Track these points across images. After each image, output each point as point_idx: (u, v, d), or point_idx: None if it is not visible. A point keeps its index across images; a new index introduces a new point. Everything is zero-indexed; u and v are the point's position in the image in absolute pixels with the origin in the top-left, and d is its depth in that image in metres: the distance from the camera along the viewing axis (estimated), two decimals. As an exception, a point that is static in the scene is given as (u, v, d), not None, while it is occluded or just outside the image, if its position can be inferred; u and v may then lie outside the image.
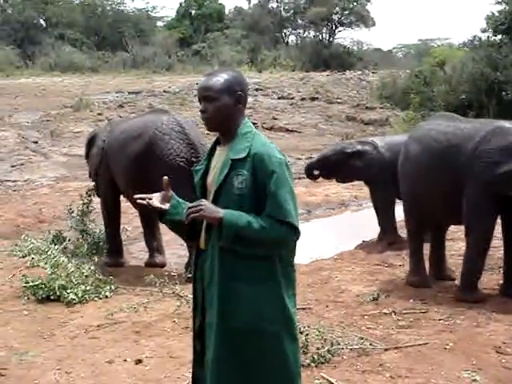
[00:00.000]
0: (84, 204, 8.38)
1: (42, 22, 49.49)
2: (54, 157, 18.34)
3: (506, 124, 6.51)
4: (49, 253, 7.09)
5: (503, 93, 21.84)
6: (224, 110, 3.04)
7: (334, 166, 8.99)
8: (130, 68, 40.65)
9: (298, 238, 2.99)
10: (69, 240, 8.11)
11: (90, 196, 8.43)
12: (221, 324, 2.96)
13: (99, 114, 23.53)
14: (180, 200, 3.17)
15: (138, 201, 3.13)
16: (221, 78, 3.04)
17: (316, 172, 9.23)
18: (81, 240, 8.07)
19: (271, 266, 2.98)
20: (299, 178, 12.77)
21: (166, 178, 3.15)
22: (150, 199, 3.11)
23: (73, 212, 8.43)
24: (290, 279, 3.07)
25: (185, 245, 7.88)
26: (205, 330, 3.08)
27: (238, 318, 2.95)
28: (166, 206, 3.12)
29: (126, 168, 7.51)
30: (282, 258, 3.02)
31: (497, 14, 23.41)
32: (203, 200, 2.98)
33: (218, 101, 3.02)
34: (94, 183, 8.41)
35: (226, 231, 2.87)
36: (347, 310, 6.28)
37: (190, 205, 2.95)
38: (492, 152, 6.24)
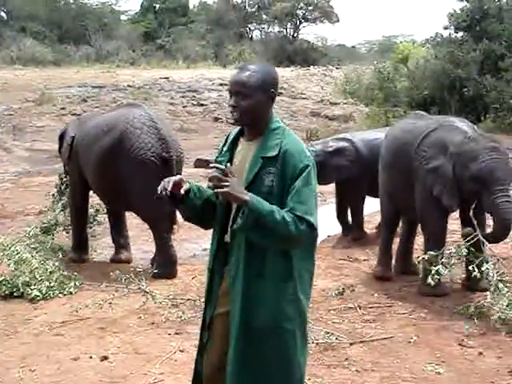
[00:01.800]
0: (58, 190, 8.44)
1: (3, 14, 48.78)
2: (17, 151, 18.12)
3: (451, 120, 6.66)
4: (12, 249, 6.99)
5: (464, 89, 22.12)
6: (257, 108, 2.99)
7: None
8: (94, 62, 40.25)
9: (315, 239, 3.01)
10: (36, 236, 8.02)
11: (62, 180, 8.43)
12: (243, 320, 2.96)
13: (62, 109, 23.29)
14: (196, 185, 3.12)
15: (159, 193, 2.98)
16: (256, 74, 2.98)
17: None
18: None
19: (289, 263, 2.98)
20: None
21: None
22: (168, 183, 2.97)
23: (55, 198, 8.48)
24: (308, 277, 3.08)
25: (150, 240, 7.85)
26: (214, 323, 3.11)
27: (261, 314, 2.96)
28: (179, 195, 3.02)
29: (97, 162, 7.44)
30: (301, 254, 3.01)
31: (458, 12, 23.71)
32: (232, 178, 2.89)
33: (251, 98, 2.97)
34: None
35: (248, 214, 2.82)
36: (313, 304, 6.29)
37: (220, 176, 2.86)
38: (425, 148, 6.40)
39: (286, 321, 2.99)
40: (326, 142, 9.25)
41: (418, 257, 6.48)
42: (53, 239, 7.94)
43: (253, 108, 2.98)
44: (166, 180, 2.98)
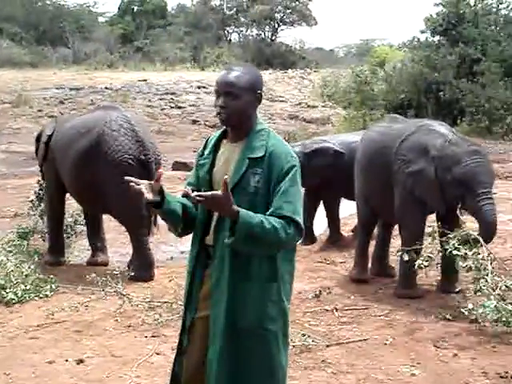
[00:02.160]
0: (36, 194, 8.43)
1: (-21, 15, 48.28)
2: (-8, 153, 17.97)
3: (430, 123, 6.71)
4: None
5: (441, 93, 22.30)
6: (245, 108, 3.00)
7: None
8: (71, 64, 40.05)
9: (301, 238, 3.02)
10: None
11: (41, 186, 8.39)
12: (229, 321, 2.96)
13: (39, 111, 23.17)
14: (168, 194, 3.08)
15: (132, 189, 2.93)
16: (245, 75, 3.00)
17: None
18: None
19: (274, 264, 2.99)
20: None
21: (161, 170, 3.04)
22: (138, 185, 2.93)
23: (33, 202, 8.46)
24: (290, 276, 3.10)
25: (127, 243, 7.82)
26: (194, 326, 3.09)
27: (246, 315, 2.97)
28: (158, 198, 2.98)
29: (73, 164, 7.39)
30: (283, 256, 3.02)
31: (435, 16, 23.90)
32: (218, 192, 2.81)
33: (240, 98, 2.97)
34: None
35: (240, 228, 2.79)
36: (290, 306, 6.32)
37: (205, 194, 2.80)
38: (405, 151, 6.43)
39: (270, 322, 3.00)
40: (304, 143, 9.26)
41: (398, 250, 6.50)
42: (28, 244, 7.89)
43: (242, 109, 2.99)
44: (143, 182, 2.96)
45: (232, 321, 2.96)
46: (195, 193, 2.82)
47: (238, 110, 2.98)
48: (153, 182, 2.98)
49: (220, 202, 2.78)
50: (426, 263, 6.01)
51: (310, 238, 8.89)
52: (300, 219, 2.92)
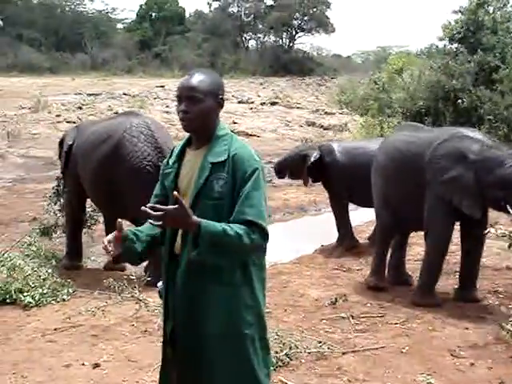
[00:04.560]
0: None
1: (-1, 21, 48.82)
2: (12, 158, 18.09)
3: (461, 131, 6.68)
4: (5, 255, 6.99)
5: (459, 100, 22.17)
6: (208, 113, 2.99)
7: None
8: (90, 70, 40.32)
9: (267, 242, 2.98)
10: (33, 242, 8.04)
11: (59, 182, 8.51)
12: (199, 329, 2.96)
13: (58, 116, 23.31)
14: (131, 231, 3.08)
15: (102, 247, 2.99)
16: (206, 80, 2.99)
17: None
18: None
19: (246, 269, 2.98)
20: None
21: (119, 220, 3.00)
22: (109, 244, 2.95)
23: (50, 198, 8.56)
24: (262, 282, 3.09)
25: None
26: (177, 336, 3.06)
27: (218, 322, 2.95)
28: (119, 250, 2.98)
29: (94, 169, 7.46)
30: (255, 261, 3.02)
31: (453, 23, 23.80)
32: (171, 207, 2.82)
33: (203, 102, 2.96)
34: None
35: (203, 239, 2.79)
36: (306, 313, 6.33)
37: (158, 214, 2.79)
38: (440, 158, 6.40)
39: (246, 326, 2.98)
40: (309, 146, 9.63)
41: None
42: (51, 239, 7.99)
43: (204, 113, 2.97)
44: (104, 242, 2.96)
45: (204, 328, 2.95)
46: (150, 216, 2.79)
47: (200, 115, 2.97)
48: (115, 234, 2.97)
49: (176, 217, 2.77)
50: None
51: (351, 243, 8.96)
52: (263, 222, 2.89)
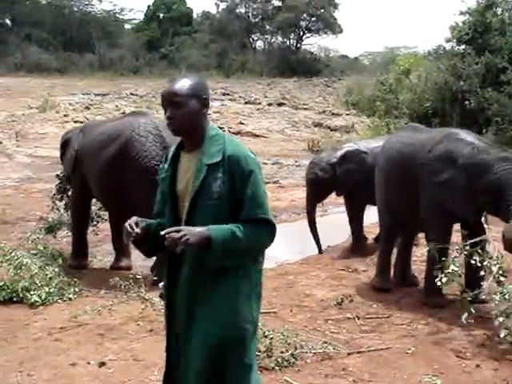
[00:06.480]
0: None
1: (7, 21, 48.94)
2: (19, 158, 18.17)
3: (456, 132, 6.67)
4: (12, 254, 7.01)
5: (466, 102, 22.15)
6: (192, 115, 3.01)
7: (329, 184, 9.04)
8: (97, 70, 40.40)
9: (274, 236, 3.02)
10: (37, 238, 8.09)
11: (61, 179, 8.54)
12: (201, 329, 2.97)
13: (65, 116, 23.37)
14: (156, 221, 3.14)
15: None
16: (186, 83, 3.01)
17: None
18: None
19: (246, 269, 3.00)
20: (265, 183, 12.80)
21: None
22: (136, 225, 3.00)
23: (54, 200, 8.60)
24: (260, 281, 3.11)
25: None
26: (180, 339, 3.09)
27: (218, 321, 2.96)
28: (141, 234, 3.01)
29: (101, 168, 7.47)
30: (256, 260, 3.05)
31: (461, 25, 23.73)
32: (181, 227, 2.88)
33: (185, 106, 2.98)
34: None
35: (216, 248, 2.84)
36: (311, 314, 6.33)
37: (170, 231, 2.85)
38: (433, 160, 6.40)
39: (244, 323, 3.00)
40: (328, 153, 9.37)
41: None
42: (55, 237, 8.04)
43: (189, 116, 3.00)
44: (128, 224, 2.99)
45: (205, 327, 2.97)
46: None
47: (185, 118, 2.99)
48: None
49: (183, 242, 2.80)
50: (445, 279, 5.87)
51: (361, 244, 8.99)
52: (270, 218, 2.98)
